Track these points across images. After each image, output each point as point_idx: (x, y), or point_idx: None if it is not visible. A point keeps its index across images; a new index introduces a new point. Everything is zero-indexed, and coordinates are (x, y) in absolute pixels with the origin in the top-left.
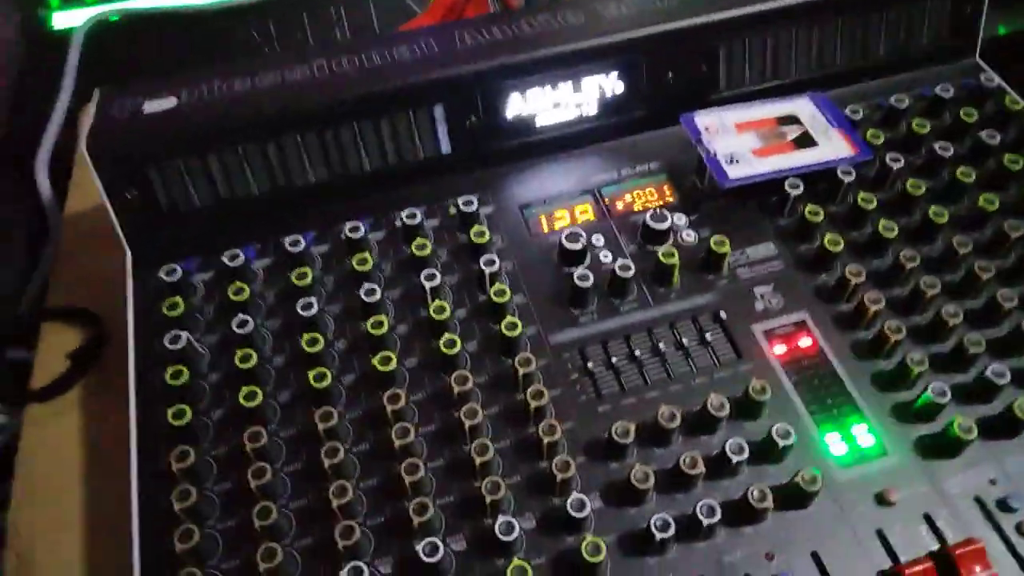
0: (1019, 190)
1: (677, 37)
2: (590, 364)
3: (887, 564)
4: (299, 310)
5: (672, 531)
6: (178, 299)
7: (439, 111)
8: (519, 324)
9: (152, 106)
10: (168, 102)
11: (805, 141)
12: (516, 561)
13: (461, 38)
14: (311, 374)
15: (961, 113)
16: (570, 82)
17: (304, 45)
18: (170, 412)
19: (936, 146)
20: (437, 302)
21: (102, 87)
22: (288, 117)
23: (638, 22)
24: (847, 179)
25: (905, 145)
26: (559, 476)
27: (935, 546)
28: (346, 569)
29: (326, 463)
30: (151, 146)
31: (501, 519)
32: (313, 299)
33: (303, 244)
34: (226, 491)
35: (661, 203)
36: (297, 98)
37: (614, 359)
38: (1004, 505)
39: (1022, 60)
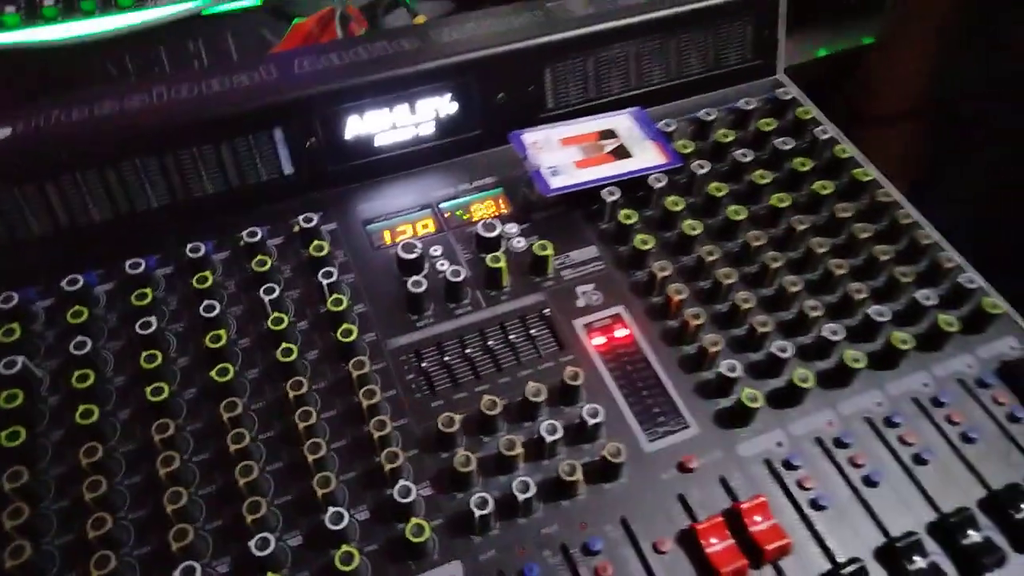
0: (807, 189)
1: (505, 60)
2: (424, 364)
3: (687, 523)
4: (138, 329)
5: (491, 508)
6: (15, 325)
7: (279, 134)
8: (355, 331)
9: None
10: (2, 131)
11: (622, 152)
12: (343, 548)
13: (300, 64)
14: (149, 389)
15: (760, 123)
16: (406, 104)
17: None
18: (4, 435)
19: (737, 153)
20: (275, 314)
21: None
22: (125, 143)
23: (469, 46)
24: (658, 185)
25: (712, 153)
26: (387, 467)
27: (728, 504)
28: (179, 569)
29: (162, 472)
30: None
31: (332, 511)
32: (152, 318)
33: (143, 267)
34: (63, 508)
35: (496, 214)
36: (134, 124)
37: (447, 358)
38: (788, 464)
39: (840, 77)
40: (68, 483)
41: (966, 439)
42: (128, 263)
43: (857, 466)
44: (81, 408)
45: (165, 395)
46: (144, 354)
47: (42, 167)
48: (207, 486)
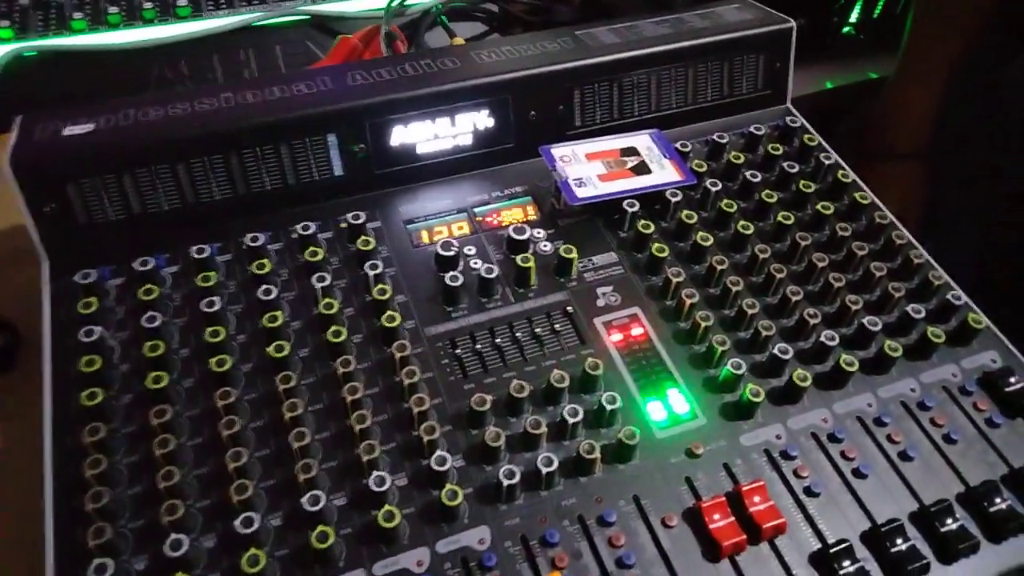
0: (811, 209)
1: (538, 81)
2: (458, 351)
3: (693, 502)
4: (203, 307)
5: (517, 479)
6: (92, 299)
7: (332, 139)
8: (398, 317)
9: (71, 129)
10: (86, 126)
11: (642, 168)
12: (386, 507)
13: (352, 78)
14: (213, 361)
15: (769, 148)
16: (447, 117)
17: (216, 81)
18: (83, 395)
19: (747, 174)
20: (326, 299)
21: (24, 114)
22: (195, 141)
23: (506, 68)
24: (674, 199)
25: (724, 173)
26: (425, 439)
27: (730, 487)
28: (240, 519)
29: (224, 434)
30: (70, 165)
31: (375, 475)
32: (216, 298)
33: (208, 252)
34: (134, 463)
35: (524, 220)
36: (204, 124)
37: (479, 346)
38: (785, 454)
39: (847, 109)
40: (139, 440)
41: (948, 440)
42: (194, 249)
43: (848, 459)
44: (151, 375)
45: (228, 366)
46: (208, 329)
47: (121, 160)
48: (263, 449)
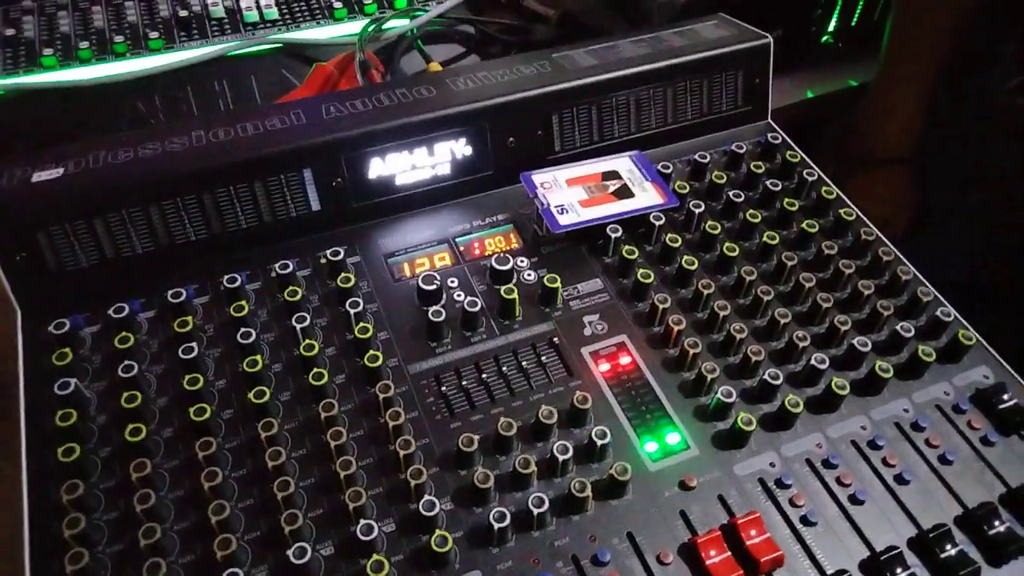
0: (797, 227)
1: (515, 107)
2: (444, 388)
3: (688, 537)
4: (180, 354)
5: (507, 521)
6: (67, 350)
7: (308, 174)
8: (380, 356)
9: (39, 175)
10: (55, 171)
11: (624, 192)
12: (375, 557)
13: (327, 110)
14: (192, 410)
15: (751, 166)
16: (424, 147)
17: (188, 116)
18: (60, 451)
19: (730, 193)
20: (307, 341)
21: None
22: (167, 183)
23: (481, 95)
24: (658, 223)
25: (707, 193)
26: (412, 483)
27: (726, 519)
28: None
29: (206, 486)
30: (39, 212)
31: (362, 523)
32: (194, 344)
33: (184, 295)
34: (114, 519)
35: (507, 249)
36: (175, 166)
37: (464, 382)
38: (780, 483)
39: (829, 119)
40: (119, 496)
41: (944, 461)
42: (169, 292)
43: (844, 485)
44: (129, 427)
45: (207, 415)
46: (187, 377)
47: (91, 205)
48: (246, 500)
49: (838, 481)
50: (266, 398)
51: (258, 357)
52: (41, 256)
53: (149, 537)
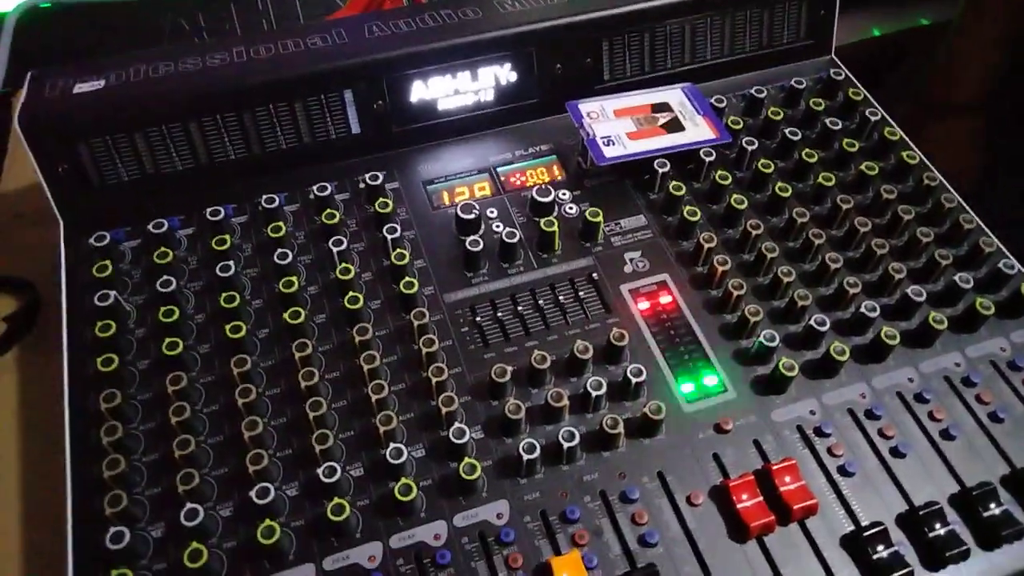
0: (855, 169)
1: (564, 31)
2: (478, 319)
3: (720, 480)
4: (218, 271)
5: (537, 453)
6: (107, 262)
7: (348, 95)
8: (416, 283)
9: (81, 87)
10: (96, 83)
11: (674, 126)
12: (403, 480)
13: (370, 30)
14: (228, 327)
15: (811, 102)
16: (468, 71)
17: (231, 34)
18: (99, 361)
19: (787, 131)
20: (343, 264)
21: (33, 70)
22: (205, 99)
23: (529, 18)
24: (708, 159)
25: (762, 130)
26: (444, 410)
27: (760, 465)
28: (255, 489)
29: (240, 402)
30: (80, 124)
31: (392, 447)
32: (231, 262)
33: (222, 214)
34: (150, 429)
35: (549, 181)
36: (216, 82)
37: (499, 314)
38: (819, 431)
39: (896, 59)
40: (154, 408)
41: (994, 418)
42: (208, 211)
43: (886, 437)
44: (167, 340)
45: (243, 333)
46: (223, 295)
47: (131, 118)
48: (279, 418)
49: (880, 433)
50: (301, 319)
51: (294, 278)
52: (82, 168)
53: (183, 448)
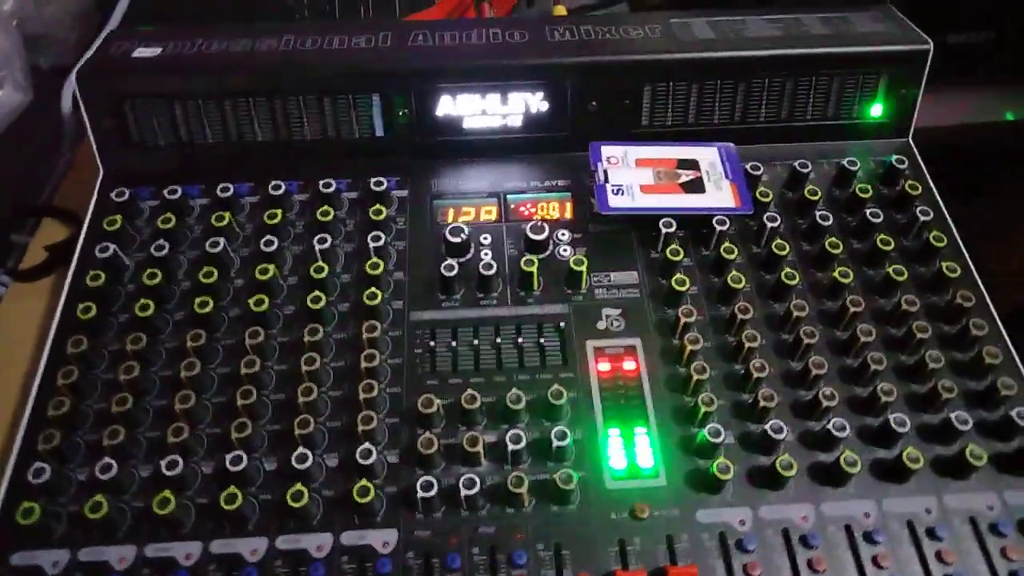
0: (879, 270)
1: (603, 69)
2: (434, 343)
3: (612, 568)
4: (207, 247)
5: (434, 492)
6: (118, 216)
7: (376, 99)
8: (380, 295)
9: (141, 52)
10: (155, 50)
11: (694, 187)
12: (298, 486)
13: (415, 37)
14: (197, 300)
15: (858, 188)
16: (498, 93)
17: (287, 21)
18: (79, 307)
19: (819, 214)
20: (318, 263)
21: (112, 31)
22: (242, 80)
23: (572, 50)
24: (720, 228)
25: (794, 207)
26: (361, 428)
27: (662, 564)
28: (233, 456)
29: (184, 376)
30: (127, 85)
31: (300, 450)
32: (222, 239)
33: (232, 191)
34: (109, 380)
35: (557, 218)
36: (254, 65)
37: (455, 343)
38: (741, 545)
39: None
40: (116, 361)
41: None
42: (220, 187)
43: (815, 572)
44: (140, 301)
45: (208, 308)
46: (203, 269)
47: (172, 87)
48: (208, 394)
49: (809, 565)
50: (264, 307)
51: (271, 267)
52: (125, 125)
53: (121, 406)
